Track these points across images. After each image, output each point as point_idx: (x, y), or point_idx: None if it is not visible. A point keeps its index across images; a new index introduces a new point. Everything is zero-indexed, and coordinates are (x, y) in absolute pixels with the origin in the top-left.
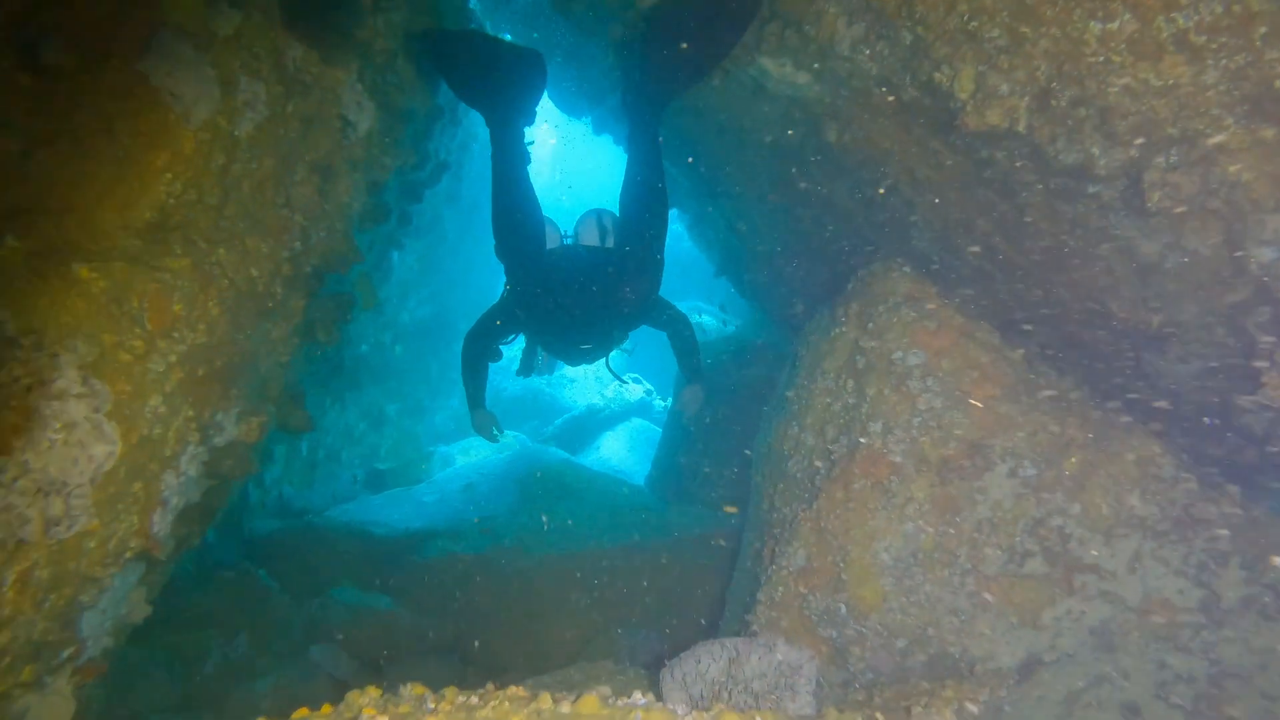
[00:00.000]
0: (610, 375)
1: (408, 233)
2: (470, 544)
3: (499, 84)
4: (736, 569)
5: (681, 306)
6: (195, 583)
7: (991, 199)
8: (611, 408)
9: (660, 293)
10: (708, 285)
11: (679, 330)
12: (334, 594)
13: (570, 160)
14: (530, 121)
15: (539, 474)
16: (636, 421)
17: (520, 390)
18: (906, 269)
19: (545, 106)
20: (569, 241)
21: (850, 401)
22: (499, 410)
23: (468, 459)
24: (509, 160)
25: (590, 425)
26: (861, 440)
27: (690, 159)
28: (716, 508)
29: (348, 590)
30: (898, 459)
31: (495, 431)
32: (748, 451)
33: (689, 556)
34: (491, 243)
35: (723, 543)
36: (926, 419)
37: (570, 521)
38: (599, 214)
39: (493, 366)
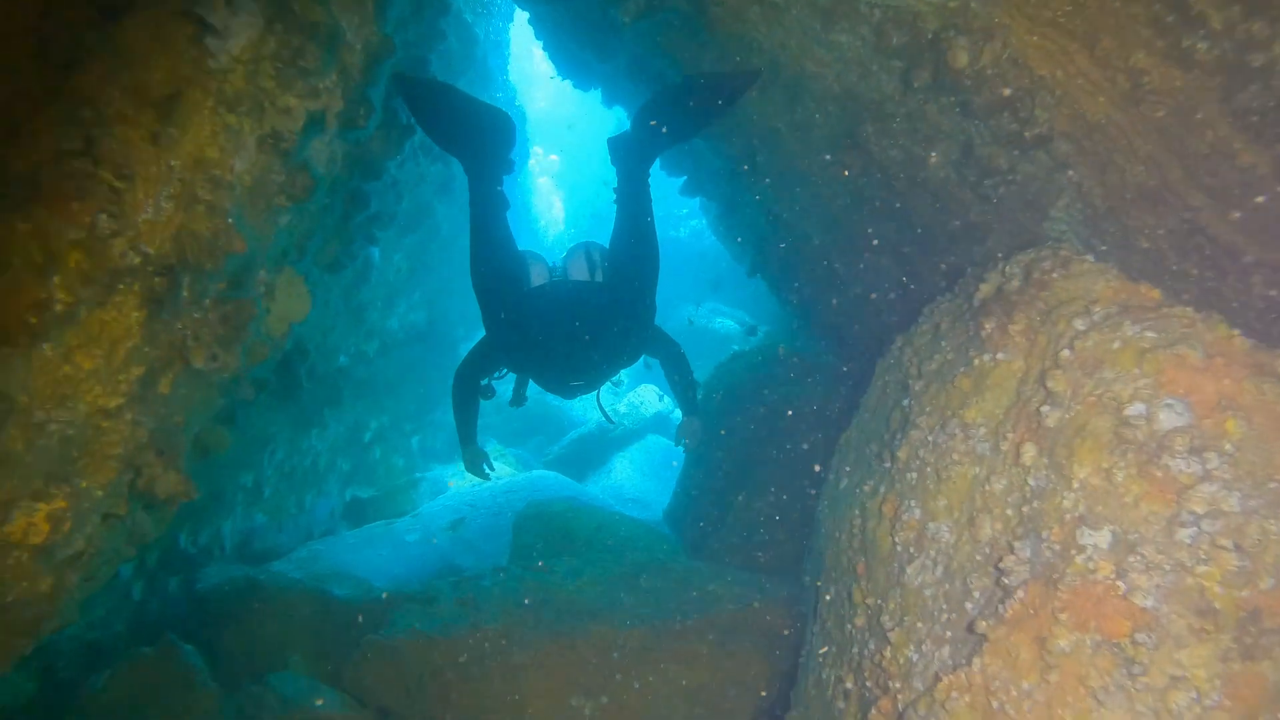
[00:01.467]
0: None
1: (383, 225)
2: (446, 620)
3: (472, 137)
4: (801, 684)
5: (702, 310)
6: (106, 659)
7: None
8: (625, 424)
9: (657, 320)
10: (734, 287)
11: (674, 363)
12: (272, 681)
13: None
14: (509, 171)
15: (537, 516)
16: (652, 439)
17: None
18: (1090, 260)
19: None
20: (558, 276)
21: (1035, 484)
22: (499, 419)
23: (461, 484)
24: (485, 207)
25: (601, 445)
26: (1074, 559)
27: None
28: (748, 556)
29: (289, 678)
30: (1149, 602)
31: (487, 469)
32: (812, 492)
33: (728, 640)
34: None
35: (769, 618)
36: (1207, 531)
37: (574, 584)
38: (587, 247)
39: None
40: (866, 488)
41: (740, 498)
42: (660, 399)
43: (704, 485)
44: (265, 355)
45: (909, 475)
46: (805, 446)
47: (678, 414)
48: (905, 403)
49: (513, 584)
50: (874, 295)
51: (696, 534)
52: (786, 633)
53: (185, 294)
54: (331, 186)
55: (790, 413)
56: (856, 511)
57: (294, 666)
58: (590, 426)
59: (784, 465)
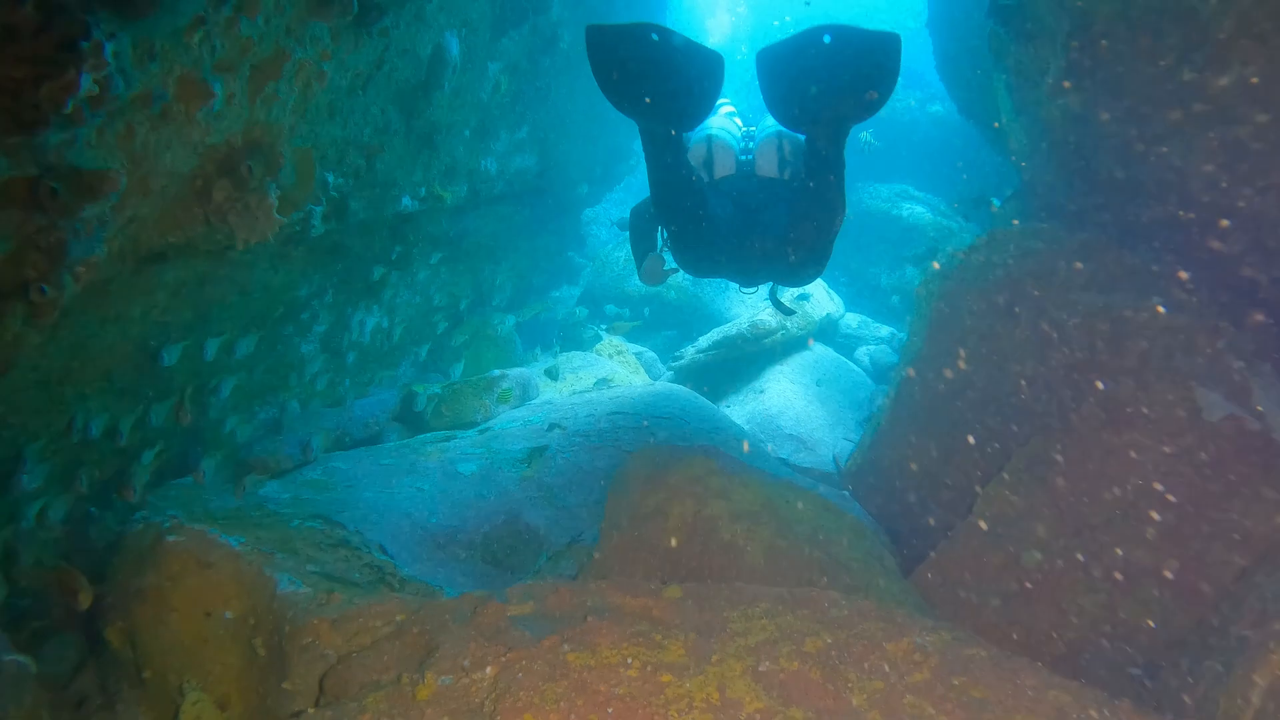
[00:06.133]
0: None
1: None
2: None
3: (665, 95)
4: None
5: (884, 190)
6: None
7: None
8: (787, 328)
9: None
10: (928, 171)
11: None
12: None
13: None
14: (704, 118)
15: (651, 481)
16: (819, 350)
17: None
18: None
19: None
20: (745, 169)
21: None
22: (627, 308)
23: (565, 385)
24: (663, 160)
25: (752, 352)
26: None
27: None
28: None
29: None
30: None
31: (665, 270)
32: None
33: None
34: None
35: None
36: None
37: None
38: (780, 139)
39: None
40: None
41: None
42: (830, 296)
43: (927, 450)
44: None
45: None
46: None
47: (849, 320)
48: None
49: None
50: None
51: (917, 536)
52: None
53: None
54: None
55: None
56: None
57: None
58: (742, 327)
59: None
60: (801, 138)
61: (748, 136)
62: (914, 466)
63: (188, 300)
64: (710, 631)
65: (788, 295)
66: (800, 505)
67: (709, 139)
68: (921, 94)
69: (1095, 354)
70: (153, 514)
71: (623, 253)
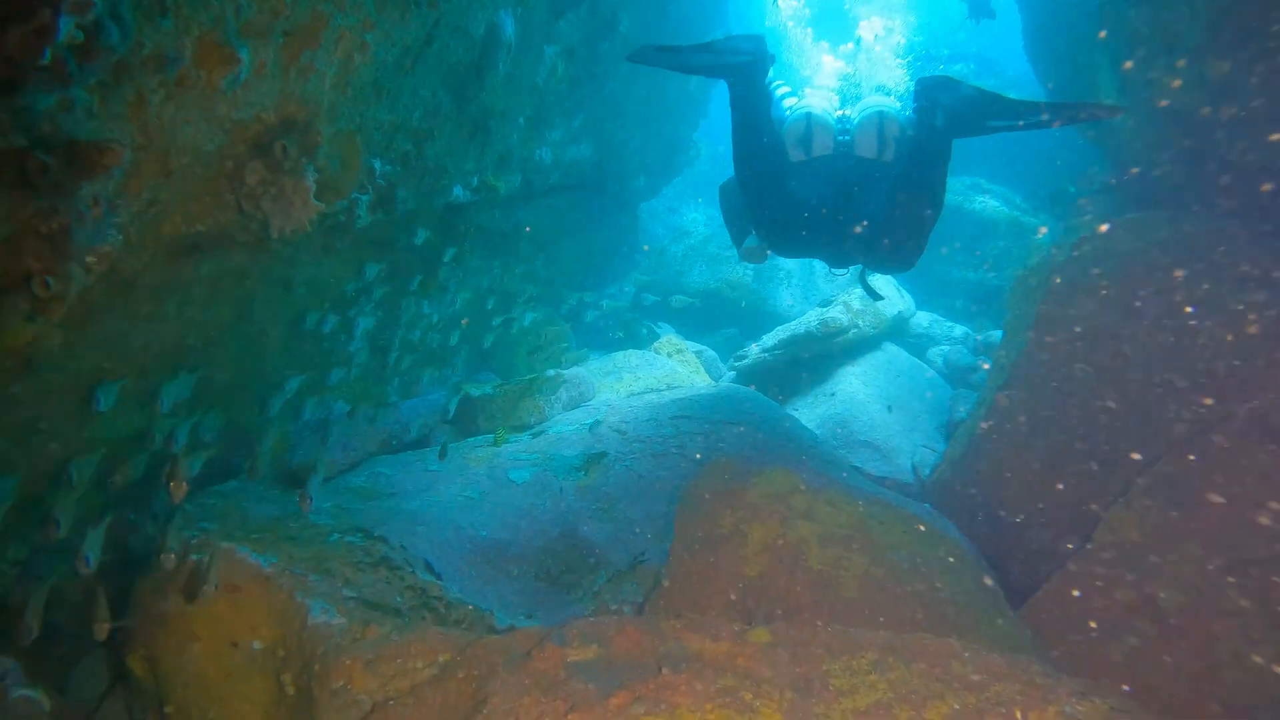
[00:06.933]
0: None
1: None
2: None
3: (723, 67)
4: None
5: (954, 182)
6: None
7: None
8: (859, 325)
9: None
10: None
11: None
12: None
13: None
14: (771, 63)
15: (729, 496)
16: (891, 350)
17: (708, 279)
18: None
19: None
20: (844, 139)
21: None
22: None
23: (622, 385)
24: (747, 110)
25: (821, 352)
26: None
27: None
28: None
29: None
30: None
31: (764, 254)
32: None
33: None
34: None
35: None
36: None
37: None
38: (882, 119)
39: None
40: None
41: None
42: (901, 294)
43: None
44: None
45: None
46: None
47: (919, 318)
48: None
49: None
50: None
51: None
52: None
53: None
54: None
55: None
56: None
57: None
58: (811, 325)
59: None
60: (904, 118)
61: (843, 119)
62: (1014, 481)
63: (226, 296)
64: (809, 689)
65: (854, 295)
66: (895, 527)
67: (808, 116)
68: (996, 80)
69: (1247, 359)
70: (186, 525)
71: (680, 247)
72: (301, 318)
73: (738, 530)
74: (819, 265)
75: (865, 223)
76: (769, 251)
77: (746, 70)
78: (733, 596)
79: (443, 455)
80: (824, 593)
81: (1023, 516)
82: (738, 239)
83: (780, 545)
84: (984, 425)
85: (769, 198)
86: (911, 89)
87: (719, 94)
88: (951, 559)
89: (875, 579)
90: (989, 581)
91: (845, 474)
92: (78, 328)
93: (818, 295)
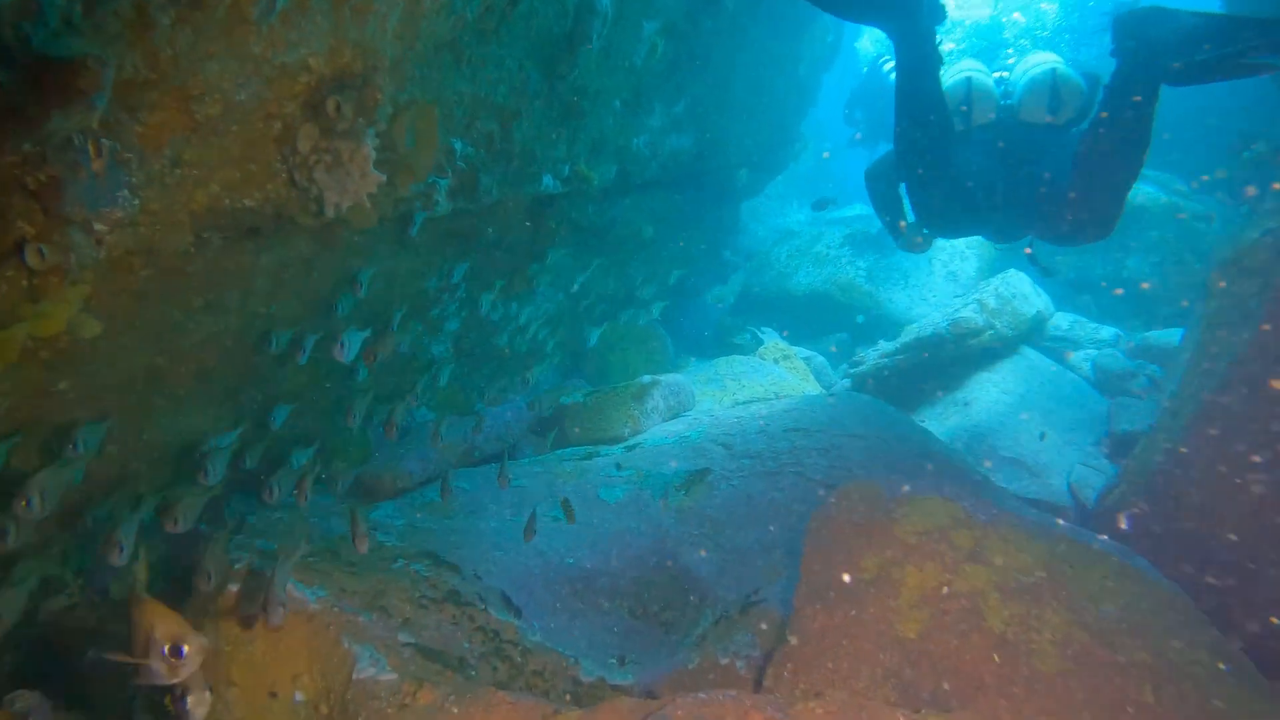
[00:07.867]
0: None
1: None
2: None
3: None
4: None
5: None
6: None
7: None
8: (995, 326)
9: None
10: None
11: None
12: None
13: None
14: (941, 18)
15: (867, 531)
16: (1032, 356)
17: (816, 281)
18: None
19: None
20: (1008, 103)
21: None
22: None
23: (726, 394)
24: (916, 69)
25: (950, 356)
26: None
27: None
28: None
29: None
30: None
31: (920, 240)
32: None
33: None
34: None
35: None
36: None
37: None
38: (1055, 80)
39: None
40: None
41: None
42: (1037, 292)
43: None
44: None
45: None
46: None
47: (1056, 321)
48: None
49: None
50: None
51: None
52: None
53: None
54: None
55: None
56: None
57: None
58: (940, 326)
59: None
60: (1077, 78)
61: (1002, 81)
62: (1226, 508)
63: (292, 288)
64: None
65: (989, 292)
66: (1093, 571)
67: (968, 80)
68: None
69: None
70: (240, 545)
71: (784, 249)
72: (378, 317)
73: (886, 575)
74: (938, 265)
75: (1044, 190)
76: (928, 234)
77: (919, 26)
78: (884, 664)
79: (503, 480)
80: (1012, 664)
81: (1235, 553)
82: (893, 227)
83: (945, 596)
84: (1169, 441)
85: (935, 174)
86: (1108, 27)
87: (829, 81)
88: (1175, 613)
89: (1079, 645)
90: (1229, 646)
91: (1011, 501)
92: (125, 317)
93: (936, 297)
